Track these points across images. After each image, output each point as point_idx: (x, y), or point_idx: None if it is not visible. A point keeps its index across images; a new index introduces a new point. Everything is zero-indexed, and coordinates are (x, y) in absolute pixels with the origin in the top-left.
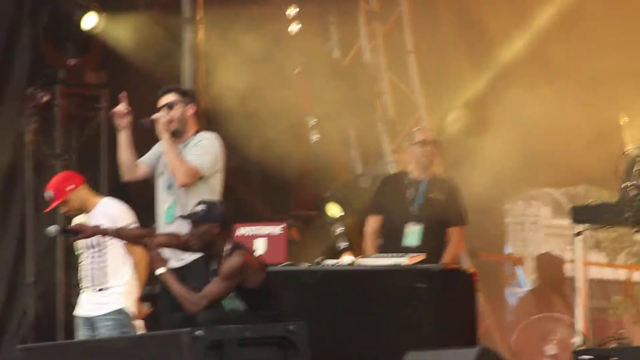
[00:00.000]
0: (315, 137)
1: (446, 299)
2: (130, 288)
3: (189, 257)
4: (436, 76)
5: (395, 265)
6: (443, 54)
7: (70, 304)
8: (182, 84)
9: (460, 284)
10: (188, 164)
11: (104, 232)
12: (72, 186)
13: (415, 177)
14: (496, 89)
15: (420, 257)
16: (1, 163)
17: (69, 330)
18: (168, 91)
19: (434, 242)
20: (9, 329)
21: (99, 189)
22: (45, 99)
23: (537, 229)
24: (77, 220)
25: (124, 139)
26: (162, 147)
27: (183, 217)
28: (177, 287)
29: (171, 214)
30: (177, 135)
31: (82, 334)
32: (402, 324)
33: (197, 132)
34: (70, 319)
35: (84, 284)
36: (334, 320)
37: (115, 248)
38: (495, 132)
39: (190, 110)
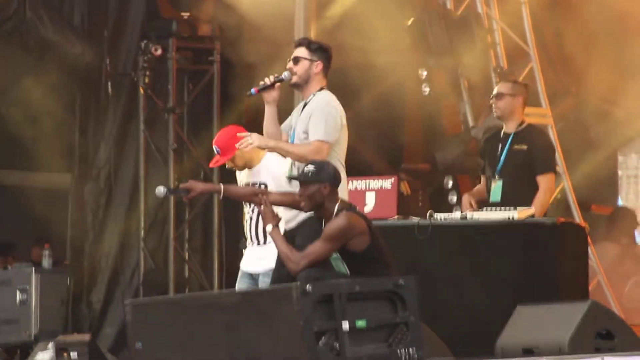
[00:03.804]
0: (427, 89)
1: (557, 252)
2: None
3: (301, 216)
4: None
5: (506, 220)
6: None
7: (182, 258)
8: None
9: (572, 238)
10: (308, 145)
11: (216, 190)
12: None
13: (506, 131)
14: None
15: (531, 210)
16: (116, 116)
17: (180, 284)
18: (299, 44)
19: (518, 195)
20: (121, 282)
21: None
22: (158, 52)
23: None
24: (241, 175)
25: (270, 113)
26: (294, 111)
27: (293, 177)
28: (282, 245)
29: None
30: (298, 88)
31: (241, 286)
32: (512, 278)
33: (321, 89)
34: (181, 274)
35: (247, 238)
36: (445, 275)
37: None
38: (611, 84)
39: (317, 67)
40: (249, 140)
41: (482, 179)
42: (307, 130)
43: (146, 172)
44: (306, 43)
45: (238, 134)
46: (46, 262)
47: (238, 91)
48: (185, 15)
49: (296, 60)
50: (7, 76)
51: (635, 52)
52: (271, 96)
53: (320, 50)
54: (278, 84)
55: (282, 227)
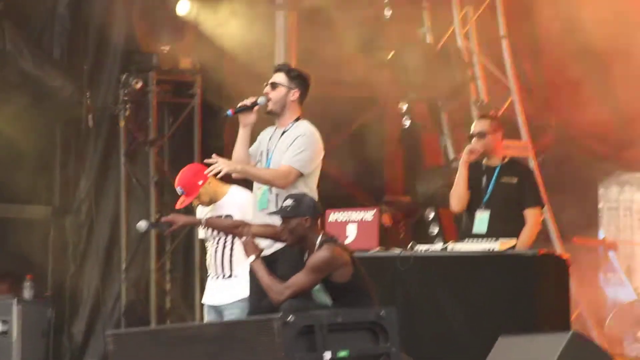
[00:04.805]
0: (407, 122)
1: (538, 283)
2: None
3: (279, 244)
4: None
5: (487, 251)
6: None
7: (163, 290)
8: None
9: (553, 269)
10: (277, 170)
11: (197, 223)
12: (202, 181)
13: (489, 164)
14: (592, 72)
15: (512, 242)
16: (96, 149)
17: (161, 316)
18: (279, 70)
19: (503, 227)
20: (102, 314)
21: None
22: (139, 85)
23: (631, 214)
24: (203, 210)
25: (243, 137)
26: (262, 136)
27: (273, 213)
28: (264, 276)
29: (264, 200)
30: (273, 115)
31: (209, 320)
32: (494, 309)
33: (297, 119)
34: (162, 305)
35: (210, 271)
36: (427, 306)
37: None
38: (589, 116)
39: (293, 95)
40: (218, 167)
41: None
42: (284, 155)
43: (127, 205)
44: (286, 69)
45: (203, 171)
46: (27, 294)
47: (219, 124)
48: (166, 48)
49: (274, 85)
50: None
51: (616, 85)
52: (248, 119)
53: (299, 79)
54: (256, 107)
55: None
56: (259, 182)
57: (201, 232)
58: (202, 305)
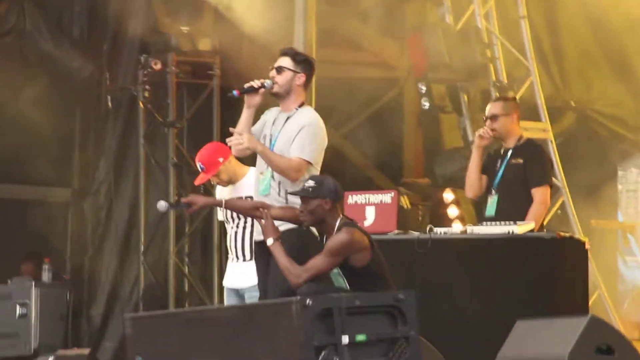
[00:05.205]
0: (426, 103)
1: (557, 267)
2: None
3: (281, 228)
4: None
5: (506, 234)
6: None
7: (182, 273)
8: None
9: (571, 252)
10: (291, 161)
11: (217, 204)
12: (222, 158)
13: (505, 147)
14: (611, 53)
15: (531, 225)
16: (115, 130)
17: (180, 299)
18: (284, 54)
19: (511, 209)
20: (121, 296)
21: None
22: (158, 66)
23: None
24: (222, 191)
25: (246, 117)
26: (267, 117)
27: (294, 193)
28: (282, 259)
29: (267, 186)
30: (278, 98)
31: (229, 304)
32: (512, 292)
33: (302, 104)
34: (180, 288)
35: (231, 254)
36: (444, 289)
37: None
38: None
39: (299, 79)
40: (240, 139)
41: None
42: (291, 143)
43: (146, 187)
44: (292, 54)
45: (225, 149)
46: (46, 276)
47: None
48: (185, 29)
49: (279, 69)
50: (6, 90)
51: (635, 67)
52: (254, 101)
53: (305, 63)
54: (263, 89)
55: (259, 239)
56: (273, 167)
57: (220, 214)
58: (220, 288)
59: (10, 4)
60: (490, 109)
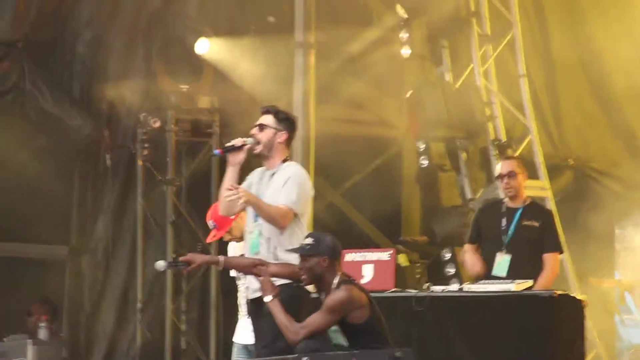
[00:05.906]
0: (425, 161)
1: (554, 325)
2: None
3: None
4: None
5: (503, 292)
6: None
7: (179, 330)
8: (294, 108)
9: (569, 311)
10: (279, 208)
11: (215, 262)
12: (234, 215)
13: (511, 206)
14: (609, 111)
15: (529, 283)
16: (114, 188)
17: (176, 357)
18: (267, 112)
19: (526, 270)
20: (118, 353)
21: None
22: (157, 124)
23: None
24: (235, 247)
25: (231, 175)
26: (252, 178)
27: (292, 250)
28: (281, 316)
29: (256, 244)
30: (262, 157)
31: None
32: (510, 350)
33: (285, 160)
34: (177, 346)
35: (241, 310)
36: (442, 347)
37: None
38: (608, 157)
39: (281, 137)
40: (236, 193)
41: (468, 247)
42: (278, 194)
43: (144, 245)
44: (274, 111)
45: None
46: (42, 334)
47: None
48: (184, 88)
49: (261, 127)
50: (6, 147)
51: (633, 126)
52: (237, 158)
53: (287, 121)
54: (247, 147)
55: (254, 296)
56: (264, 216)
57: (233, 270)
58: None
59: (11, 63)
60: (505, 166)
